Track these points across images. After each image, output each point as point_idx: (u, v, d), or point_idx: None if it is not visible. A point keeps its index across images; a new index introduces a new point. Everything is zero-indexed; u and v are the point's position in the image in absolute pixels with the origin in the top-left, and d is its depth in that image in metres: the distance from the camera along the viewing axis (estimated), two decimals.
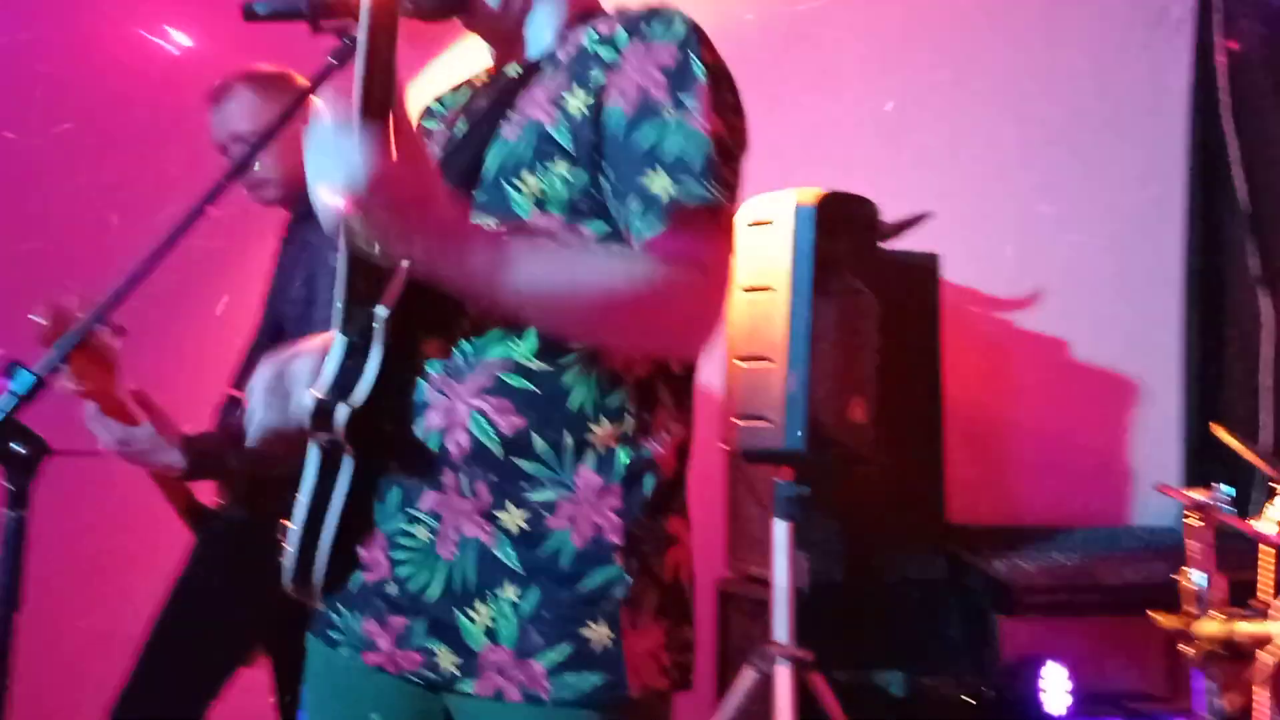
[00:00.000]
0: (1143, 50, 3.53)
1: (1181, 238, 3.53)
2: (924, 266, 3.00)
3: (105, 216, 3.03)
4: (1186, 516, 2.07)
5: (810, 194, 2.50)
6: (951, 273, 3.05)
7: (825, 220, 2.47)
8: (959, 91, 3.47)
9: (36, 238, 3.10)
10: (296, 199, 2.52)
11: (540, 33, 1.40)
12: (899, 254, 2.91)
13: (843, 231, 2.50)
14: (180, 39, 3.28)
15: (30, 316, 2.01)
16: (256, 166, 2.47)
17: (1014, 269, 3.44)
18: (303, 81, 2.55)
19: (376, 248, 1.16)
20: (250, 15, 1.32)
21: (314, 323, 2.31)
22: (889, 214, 2.66)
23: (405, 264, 1.21)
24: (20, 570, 1.20)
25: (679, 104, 1.25)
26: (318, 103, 1.20)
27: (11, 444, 1.19)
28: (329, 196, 1.13)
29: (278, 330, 2.48)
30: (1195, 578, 2.03)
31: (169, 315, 2.53)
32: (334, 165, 1.12)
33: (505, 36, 1.41)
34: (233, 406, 2.47)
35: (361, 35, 1.11)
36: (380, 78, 1.13)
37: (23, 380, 1.20)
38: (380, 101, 1.14)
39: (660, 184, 1.23)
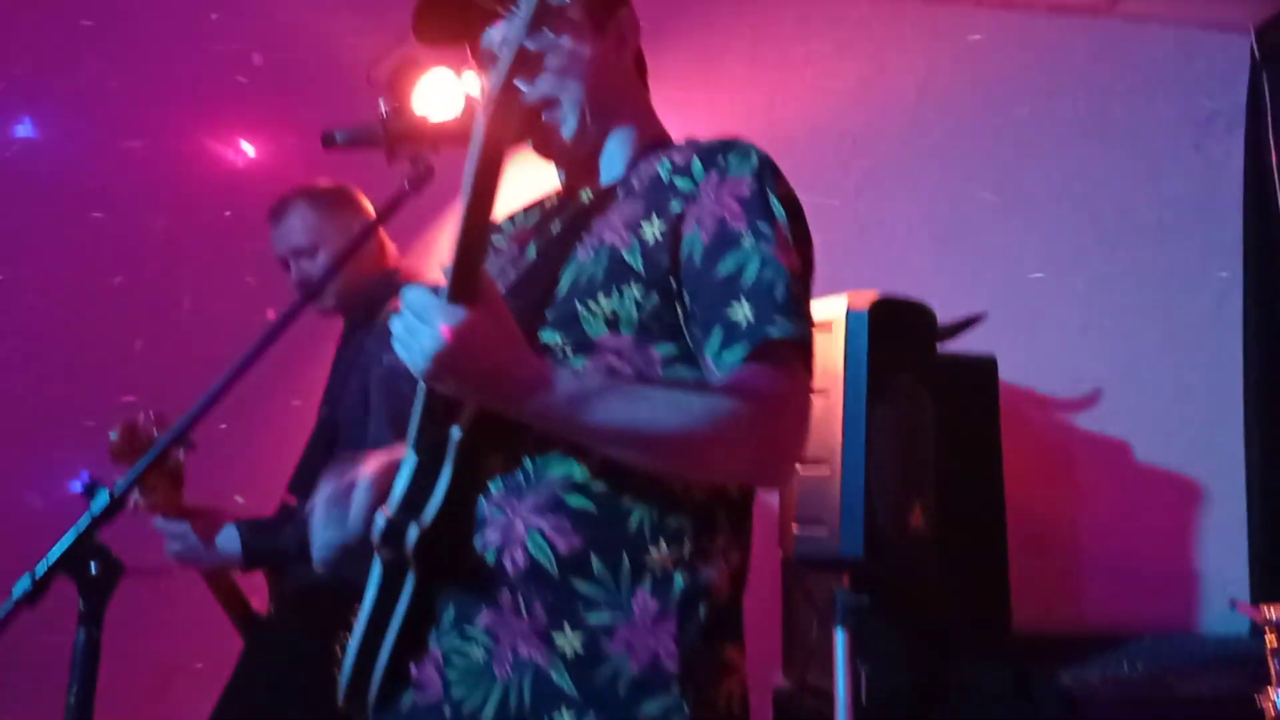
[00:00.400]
0: (1194, 150, 3.53)
1: (1240, 337, 3.48)
2: (982, 369, 2.97)
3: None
4: (1265, 633, 2.00)
5: (863, 298, 2.50)
6: (1008, 374, 3.03)
7: (879, 324, 2.46)
8: (1011, 193, 3.49)
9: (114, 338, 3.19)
10: (353, 307, 2.57)
11: (612, 160, 1.43)
12: (956, 356, 2.88)
13: (897, 335, 2.49)
14: (248, 149, 3.40)
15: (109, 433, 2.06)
16: (314, 276, 2.54)
17: (1072, 370, 3.40)
18: (361, 198, 2.64)
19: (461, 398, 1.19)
20: (329, 142, 1.36)
21: (367, 429, 2.34)
22: (943, 315, 2.65)
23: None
24: (93, 689, 1.20)
25: (758, 235, 1.26)
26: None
27: (89, 563, 1.20)
28: (416, 360, 1.16)
29: (332, 436, 2.50)
30: (1276, 698, 1.96)
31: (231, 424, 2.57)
32: (420, 331, 1.15)
33: (578, 163, 1.45)
34: (288, 512, 2.49)
35: (469, 170, 1.14)
36: (479, 222, 1.15)
37: (101, 500, 1.21)
38: (473, 263, 1.16)
39: (743, 314, 1.24)
